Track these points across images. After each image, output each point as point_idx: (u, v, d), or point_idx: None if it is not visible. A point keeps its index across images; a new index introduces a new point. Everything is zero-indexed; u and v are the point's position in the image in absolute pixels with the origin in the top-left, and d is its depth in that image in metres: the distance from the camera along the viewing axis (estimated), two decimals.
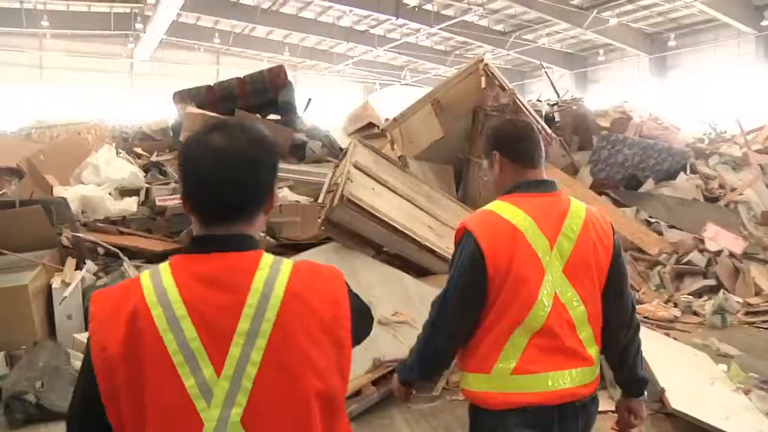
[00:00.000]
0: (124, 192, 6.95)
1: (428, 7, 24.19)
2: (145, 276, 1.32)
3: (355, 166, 5.35)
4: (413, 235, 4.83)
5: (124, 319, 1.24)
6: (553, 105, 8.98)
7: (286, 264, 1.34)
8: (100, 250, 5.37)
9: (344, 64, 31.31)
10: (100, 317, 1.28)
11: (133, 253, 5.77)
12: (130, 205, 6.41)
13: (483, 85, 5.87)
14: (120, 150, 7.75)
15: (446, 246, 4.84)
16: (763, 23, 22.11)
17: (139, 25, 24.77)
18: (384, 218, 4.83)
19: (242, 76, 8.83)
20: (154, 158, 8.35)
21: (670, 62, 26.54)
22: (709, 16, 22.69)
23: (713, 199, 7.59)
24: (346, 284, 1.40)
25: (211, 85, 8.83)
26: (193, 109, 8.02)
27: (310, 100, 9.41)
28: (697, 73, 25.08)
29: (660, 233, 6.79)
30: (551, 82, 10.87)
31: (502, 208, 2.05)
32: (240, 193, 1.32)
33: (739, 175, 7.99)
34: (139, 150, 8.57)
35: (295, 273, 1.32)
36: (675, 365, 3.94)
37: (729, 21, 21.92)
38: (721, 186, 7.75)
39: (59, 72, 27.74)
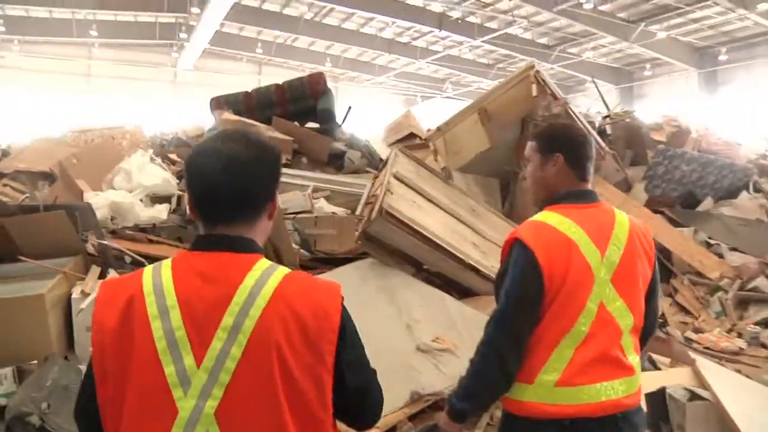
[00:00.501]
0: (156, 199, 6.75)
1: (472, 19, 23.83)
2: (148, 268, 1.41)
3: (396, 177, 5.03)
4: (456, 253, 4.47)
5: (121, 303, 1.34)
6: (605, 117, 8.54)
7: (281, 270, 1.39)
8: (127, 259, 5.15)
9: (386, 75, 31.12)
10: (101, 300, 1.39)
11: None
12: (161, 212, 6.19)
13: (534, 93, 5.50)
14: (154, 156, 7.57)
15: (491, 265, 4.47)
16: None
17: (183, 35, 24.99)
18: (426, 233, 4.49)
19: (281, 83, 8.63)
20: None
21: (720, 77, 25.74)
22: (764, 29, 21.87)
23: None
24: (342, 304, 1.41)
25: (249, 91, 8.64)
26: (230, 116, 7.83)
27: (350, 108, 9.16)
28: (751, 88, 23.95)
29: (720, 256, 6.29)
30: (600, 93, 10.41)
31: (553, 218, 2.03)
32: (239, 196, 1.41)
33: None
34: (173, 156, 8.40)
35: (287, 278, 1.37)
36: (755, 408, 3.49)
37: None
38: None
39: (106, 80, 28.16)
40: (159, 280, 1.35)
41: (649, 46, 23.27)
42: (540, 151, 2.16)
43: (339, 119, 8.87)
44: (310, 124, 8.33)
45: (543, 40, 26.14)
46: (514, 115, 5.96)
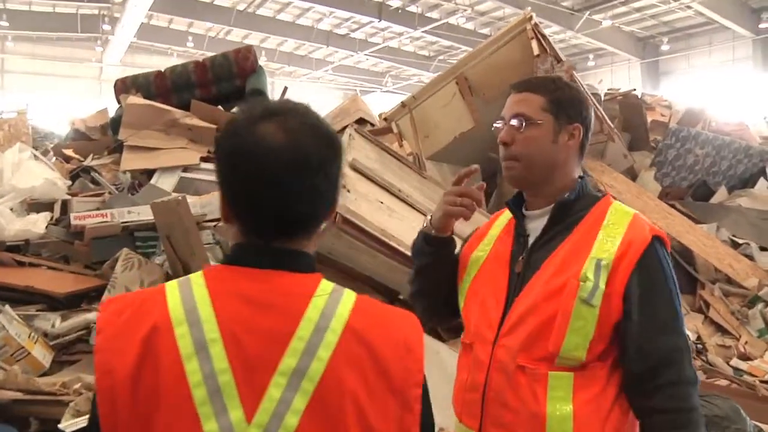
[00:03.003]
0: (35, 206, 5.15)
1: (412, 8, 23.18)
2: (172, 286, 1.08)
3: (354, 168, 3.66)
4: None
5: (139, 336, 1.01)
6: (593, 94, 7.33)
7: (349, 294, 1.12)
8: None
9: (323, 69, 30.26)
10: (109, 331, 1.05)
11: (32, 296, 4.03)
12: (35, 223, 4.61)
13: (536, 51, 4.15)
14: (37, 151, 5.97)
15: None
16: (762, 26, 21.46)
17: (106, 27, 23.45)
18: (400, 248, 3.12)
19: (202, 60, 7.08)
20: (89, 162, 6.56)
21: (662, 67, 26.18)
22: (703, 20, 22.44)
23: None
24: (422, 331, 1.14)
25: (162, 70, 7.05)
26: (136, 99, 6.26)
27: (285, 89, 7.67)
28: (691, 78, 24.72)
29: (750, 258, 5.15)
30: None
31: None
32: (308, 205, 1.11)
33: None
34: (68, 152, 6.76)
35: (358, 306, 1.10)
36: None
37: (727, 23, 21.47)
38: None
39: (22, 77, 26.51)
40: (192, 305, 1.03)
41: (593, 36, 23.34)
42: (554, 112, 1.62)
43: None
44: (237, 109, 6.84)
45: (486, 31, 25.47)
46: (503, 84, 4.54)
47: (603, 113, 5.24)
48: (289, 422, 1.00)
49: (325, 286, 1.11)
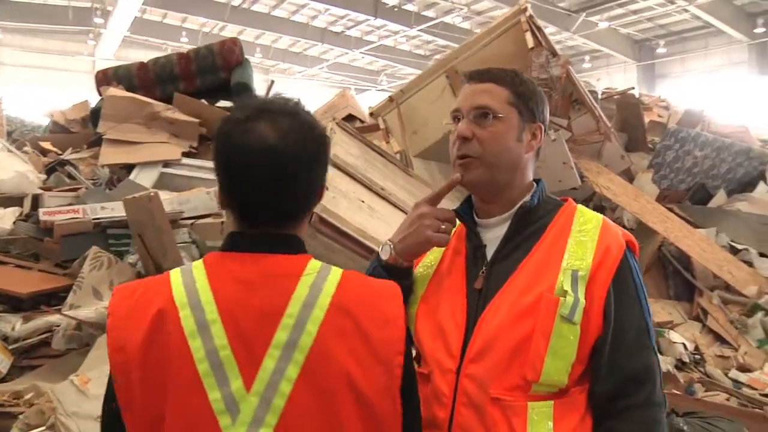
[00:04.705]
0: (6, 200, 4.94)
1: (409, 7, 22.95)
2: (176, 273, 1.22)
3: (334, 165, 3.45)
4: None
5: (148, 318, 1.15)
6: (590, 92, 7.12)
7: (335, 272, 1.23)
8: None
9: (318, 67, 29.97)
10: (119, 313, 1.19)
11: None
12: (1, 218, 4.40)
13: (530, 44, 3.94)
14: (8, 143, 5.76)
15: None
16: (756, 30, 21.47)
17: (98, 20, 22.87)
18: None
19: (185, 51, 6.85)
20: (67, 155, 6.33)
21: (658, 70, 26.22)
22: (700, 23, 22.40)
23: None
24: (402, 301, 1.25)
25: (145, 62, 6.82)
26: (117, 91, 6.04)
27: (272, 82, 7.43)
28: (686, 81, 24.75)
29: (750, 264, 4.96)
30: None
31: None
32: (295, 196, 1.24)
33: None
34: (46, 145, 6.53)
35: (344, 282, 1.21)
36: None
37: (723, 27, 21.43)
38: None
39: (18, 70, 25.91)
40: (193, 289, 1.16)
41: (590, 37, 23.21)
42: (519, 108, 1.46)
43: (259, 95, 7.21)
44: (223, 103, 6.60)
45: (482, 30, 25.25)
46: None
47: (600, 112, 5.05)
48: (283, 389, 1.12)
49: (314, 264, 1.22)
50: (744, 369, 4.17)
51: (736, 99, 19.20)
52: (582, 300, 1.31)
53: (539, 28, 4.25)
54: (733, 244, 5.17)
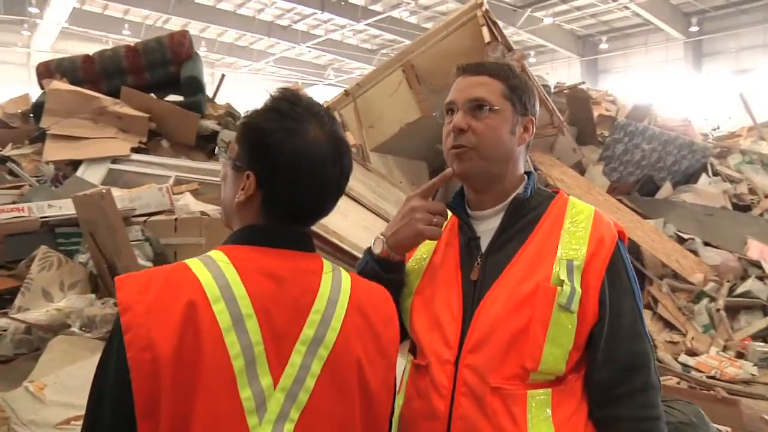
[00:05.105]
0: None
1: (356, 1, 22.94)
2: (197, 264, 1.13)
3: None
4: None
5: (177, 313, 1.05)
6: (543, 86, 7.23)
7: (344, 271, 1.28)
8: None
9: (264, 61, 29.60)
10: (140, 308, 1.06)
11: None
12: None
13: (487, 38, 3.98)
14: None
15: None
16: (692, 29, 22.28)
17: (34, 10, 21.92)
18: (345, 247, 2.90)
19: (133, 44, 6.64)
20: (7, 151, 6.07)
21: (601, 65, 26.91)
22: (640, 20, 23.12)
23: (744, 208, 6.04)
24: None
25: (91, 54, 6.59)
26: (60, 85, 5.82)
27: (223, 76, 7.31)
28: (628, 76, 25.25)
29: (695, 253, 5.14)
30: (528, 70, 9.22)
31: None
32: (335, 200, 1.27)
33: None
34: None
35: (354, 283, 1.26)
36: None
37: (661, 25, 22.17)
38: (752, 191, 6.25)
39: None
40: (225, 282, 1.11)
41: (534, 33, 23.62)
42: (513, 101, 1.47)
43: (209, 91, 7.03)
44: (172, 97, 6.43)
45: (429, 25, 25.39)
46: (451, 72, 4.42)
47: (553, 106, 5.14)
48: (308, 384, 1.13)
49: (327, 265, 1.25)
50: (692, 353, 4.33)
51: (675, 94, 19.89)
52: (578, 289, 1.33)
53: (495, 23, 4.30)
54: (679, 233, 5.35)
